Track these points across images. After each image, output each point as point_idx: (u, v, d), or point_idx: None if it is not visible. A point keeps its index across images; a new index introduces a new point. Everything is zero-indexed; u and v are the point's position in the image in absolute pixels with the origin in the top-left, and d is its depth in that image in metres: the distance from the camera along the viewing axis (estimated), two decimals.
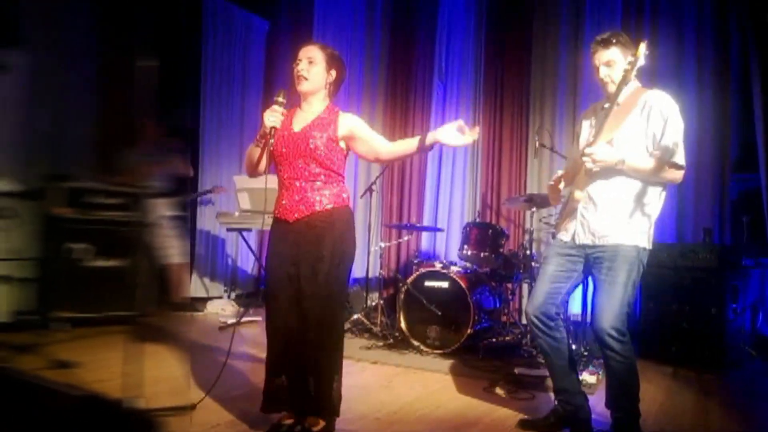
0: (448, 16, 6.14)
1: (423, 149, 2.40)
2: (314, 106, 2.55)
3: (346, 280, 2.52)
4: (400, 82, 6.40)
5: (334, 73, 2.53)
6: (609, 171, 2.48)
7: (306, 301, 2.39)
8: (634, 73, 2.35)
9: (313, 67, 2.48)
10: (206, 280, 6.46)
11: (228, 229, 6.00)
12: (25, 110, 4.92)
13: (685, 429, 2.87)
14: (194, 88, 6.37)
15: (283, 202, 2.50)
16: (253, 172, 2.60)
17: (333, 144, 2.48)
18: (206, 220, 6.43)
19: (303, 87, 2.50)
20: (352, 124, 2.51)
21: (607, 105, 2.63)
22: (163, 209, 5.16)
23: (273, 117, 2.42)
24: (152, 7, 5.68)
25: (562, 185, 2.68)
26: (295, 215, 2.46)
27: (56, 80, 5.20)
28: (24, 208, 4.59)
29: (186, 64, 6.25)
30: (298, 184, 2.46)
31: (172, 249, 5.19)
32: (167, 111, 5.45)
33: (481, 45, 5.99)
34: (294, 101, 2.61)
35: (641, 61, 2.30)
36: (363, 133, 2.52)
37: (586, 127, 2.73)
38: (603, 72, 2.55)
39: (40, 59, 5.03)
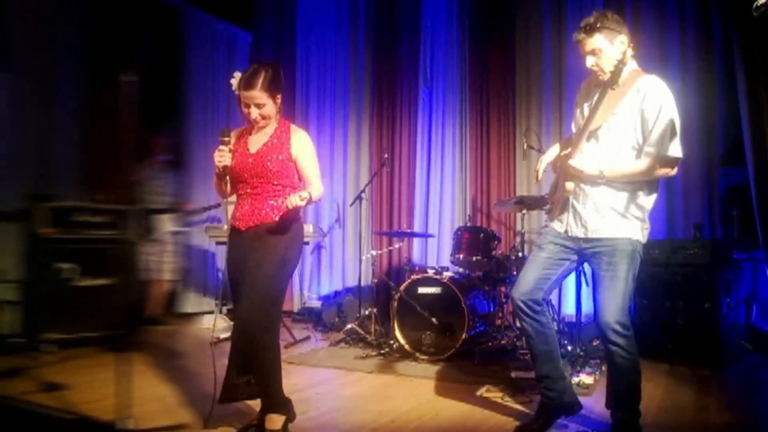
0: (431, 21, 6.14)
1: (286, 214, 2.56)
2: (267, 128, 2.71)
3: (284, 286, 2.67)
4: (385, 90, 6.39)
5: (279, 97, 2.66)
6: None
7: (244, 302, 2.53)
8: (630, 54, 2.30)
9: (263, 109, 2.61)
10: (197, 295, 6.38)
11: (217, 243, 5.94)
12: (8, 131, 4.85)
13: (685, 426, 2.85)
14: (179, 104, 6.32)
15: (238, 212, 2.67)
16: (224, 197, 2.81)
17: (287, 162, 2.66)
18: (195, 235, 6.36)
19: (261, 125, 2.67)
20: (298, 151, 2.66)
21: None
22: (168, 225, 5.17)
23: (221, 158, 2.59)
24: (135, 24, 5.65)
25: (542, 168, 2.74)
26: (247, 225, 2.63)
27: (40, 100, 5.14)
28: (9, 229, 4.53)
29: (169, 80, 6.21)
30: (252, 198, 2.65)
31: (166, 265, 5.16)
32: (154, 129, 5.42)
33: (465, 49, 5.99)
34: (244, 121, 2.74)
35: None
36: (300, 165, 2.67)
37: (587, 110, 2.60)
38: (590, 61, 2.48)
39: (24, 79, 4.97)
